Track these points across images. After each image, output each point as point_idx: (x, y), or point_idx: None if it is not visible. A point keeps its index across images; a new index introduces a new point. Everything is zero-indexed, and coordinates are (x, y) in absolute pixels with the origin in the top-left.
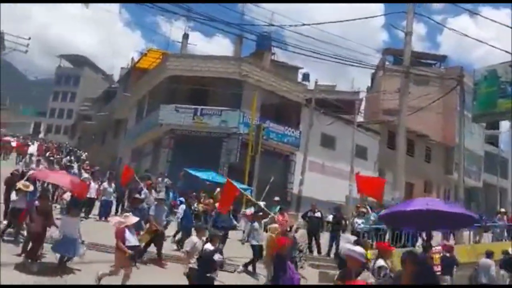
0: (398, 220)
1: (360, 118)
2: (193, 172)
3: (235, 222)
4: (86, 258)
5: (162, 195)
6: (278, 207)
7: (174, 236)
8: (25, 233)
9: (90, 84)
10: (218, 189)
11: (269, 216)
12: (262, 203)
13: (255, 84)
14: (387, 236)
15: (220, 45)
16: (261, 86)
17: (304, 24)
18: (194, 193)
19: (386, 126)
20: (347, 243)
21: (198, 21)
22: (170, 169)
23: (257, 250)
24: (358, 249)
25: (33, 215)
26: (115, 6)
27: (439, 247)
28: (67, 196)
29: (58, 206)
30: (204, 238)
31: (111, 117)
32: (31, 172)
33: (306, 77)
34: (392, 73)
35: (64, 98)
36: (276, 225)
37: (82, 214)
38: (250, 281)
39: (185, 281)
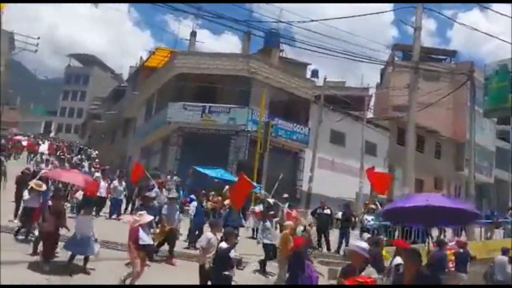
0: (399, 216)
1: (369, 115)
2: (201, 170)
3: (243, 221)
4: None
5: (174, 194)
6: (287, 204)
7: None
8: (35, 232)
9: (99, 83)
10: (227, 187)
11: (281, 209)
12: (271, 200)
13: (264, 81)
14: (396, 233)
15: (228, 43)
16: (270, 83)
17: (312, 20)
18: (203, 191)
19: (396, 122)
20: (357, 240)
21: (207, 18)
22: (179, 167)
23: (269, 250)
24: (362, 244)
25: (46, 215)
26: (124, 5)
27: (452, 243)
28: (79, 194)
29: (69, 205)
30: (219, 235)
31: (120, 116)
32: (43, 171)
33: (315, 73)
34: (401, 69)
35: (74, 97)
36: (290, 223)
37: (93, 213)
38: (261, 280)
39: (192, 279)
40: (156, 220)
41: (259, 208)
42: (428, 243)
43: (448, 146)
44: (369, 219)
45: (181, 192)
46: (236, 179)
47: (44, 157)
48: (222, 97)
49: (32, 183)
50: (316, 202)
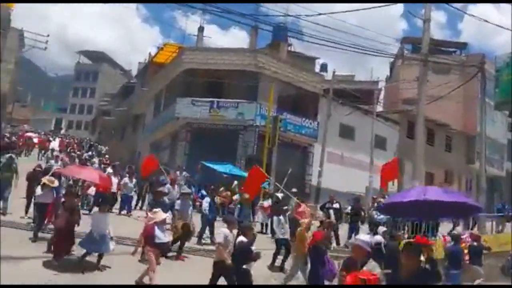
0: (397, 211)
1: (379, 108)
2: (210, 165)
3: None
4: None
5: (186, 189)
6: (296, 199)
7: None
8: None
9: (109, 80)
10: (236, 182)
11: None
12: (280, 195)
13: (272, 75)
14: (405, 227)
15: (236, 38)
16: (278, 78)
17: (320, 14)
18: (212, 186)
19: (406, 116)
20: (365, 234)
21: (214, 13)
22: (188, 162)
23: (282, 244)
24: (363, 237)
25: (60, 211)
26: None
27: (464, 236)
28: (91, 190)
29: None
30: (235, 231)
31: (130, 112)
32: (55, 167)
33: (324, 67)
34: (411, 61)
35: (84, 94)
36: (306, 220)
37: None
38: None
39: (201, 274)
40: (169, 215)
41: (267, 203)
42: (438, 237)
43: (459, 139)
44: (378, 213)
45: (192, 188)
46: (245, 174)
47: (55, 153)
48: (230, 92)
49: (45, 179)
50: (325, 196)
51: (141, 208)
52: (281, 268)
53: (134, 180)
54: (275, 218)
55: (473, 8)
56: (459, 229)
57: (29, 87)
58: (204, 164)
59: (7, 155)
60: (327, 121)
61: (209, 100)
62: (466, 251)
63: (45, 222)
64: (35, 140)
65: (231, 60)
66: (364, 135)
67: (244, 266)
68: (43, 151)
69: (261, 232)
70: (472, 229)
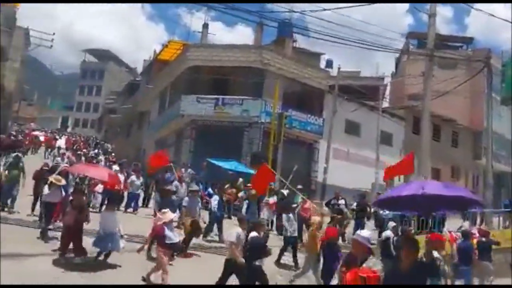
0: (394, 205)
1: (385, 104)
2: (215, 162)
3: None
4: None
5: (195, 186)
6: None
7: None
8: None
9: (114, 78)
10: (241, 179)
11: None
12: (285, 192)
13: (277, 72)
14: (412, 223)
15: (241, 35)
16: (283, 74)
17: (325, 9)
18: (218, 185)
19: (411, 112)
20: (366, 230)
21: (219, 10)
22: (193, 160)
23: (291, 242)
24: (364, 233)
25: (68, 209)
26: None
27: (473, 231)
28: (98, 188)
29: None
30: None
31: (135, 110)
32: (62, 166)
33: (329, 63)
34: (416, 57)
35: (90, 92)
36: (317, 218)
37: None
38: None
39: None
40: (177, 214)
41: (273, 199)
42: (445, 232)
43: (465, 135)
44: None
45: (200, 185)
46: (250, 171)
47: (61, 151)
48: (235, 89)
49: (52, 178)
50: (331, 193)
51: (146, 206)
52: (295, 264)
53: (141, 178)
54: (284, 215)
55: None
56: (466, 224)
57: (36, 86)
58: (209, 161)
59: (14, 154)
60: (333, 118)
61: (214, 97)
62: (475, 247)
63: (53, 220)
64: (42, 139)
65: (236, 56)
66: (370, 131)
67: (257, 263)
68: (49, 149)
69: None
70: (480, 225)
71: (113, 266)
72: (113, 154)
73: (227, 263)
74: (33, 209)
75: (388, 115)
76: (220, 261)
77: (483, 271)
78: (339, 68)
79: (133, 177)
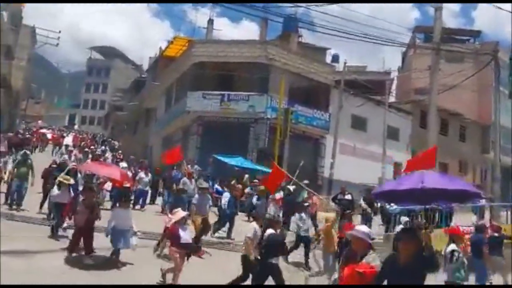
0: (393, 198)
1: (391, 99)
2: (222, 159)
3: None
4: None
5: (204, 184)
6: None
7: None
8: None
9: (120, 75)
10: (247, 176)
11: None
12: (291, 187)
13: (282, 67)
14: (419, 217)
15: (246, 30)
16: (289, 69)
17: (330, 3)
18: (225, 182)
19: (418, 106)
20: (361, 226)
21: (224, 5)
22: (199, 156)
23: (301, 241)
24: (363, 228)
25: (79, 208)
26: None
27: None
28: (107, 186)
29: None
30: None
31: (142, 107)
32: (70, 164)
33: (335, 58)
34: (423, 51)
35: (96, 90)
36: (331, 215)
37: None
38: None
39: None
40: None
41: (279, 195)
42: (452, 226)
43: (473, 129)
44: (392, 203)
45: (209, 182)
46: (256, 167)
47: (68, 149)
48: (240, 85)
49: (60, 177)
50: (337, 188)
51: (153, 202)
52: (306, 264)
53: (149, 174)
54: (296, 215)
55: None
56: (473, 219)
57: (43, 84)
58: (216, 157)
59: (22, 151)
60: (339, 113)
61: (220, 93)
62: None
63: (63, 220)
64: (49, 136)
65: (241, 52)
66: (376, 126)
67: (273, 261)
68: (57, 147)
69: None
70: (490, 219)
71: (122, 264)
72: (120, 151)
73: (245, 259)
74: (41, 206)
75: (394, 109)
76: (227, 258)
77: (494, 265)
78: (345, 63)
79: (142, 174)
